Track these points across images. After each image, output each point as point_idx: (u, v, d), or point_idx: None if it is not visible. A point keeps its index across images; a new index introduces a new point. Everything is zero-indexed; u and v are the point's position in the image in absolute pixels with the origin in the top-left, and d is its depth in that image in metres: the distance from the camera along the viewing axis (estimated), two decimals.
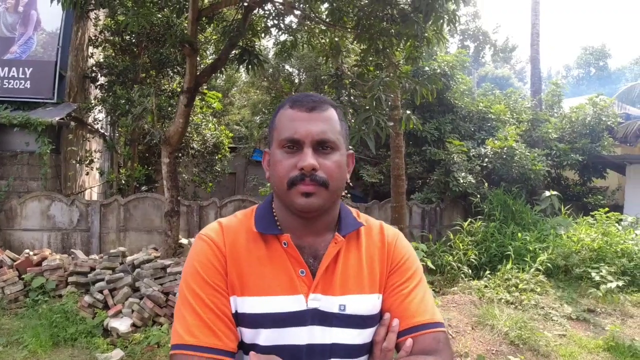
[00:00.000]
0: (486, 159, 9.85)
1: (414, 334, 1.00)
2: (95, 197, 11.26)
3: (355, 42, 7.17)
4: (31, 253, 6.56)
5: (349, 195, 11.36)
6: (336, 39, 7.45)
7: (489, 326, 4.85)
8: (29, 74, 8.84)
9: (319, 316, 0.99)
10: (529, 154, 9.75)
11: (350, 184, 12.21)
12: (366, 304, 1.03)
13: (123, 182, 10.70)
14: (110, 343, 4.71)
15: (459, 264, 7.28)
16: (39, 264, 6.23)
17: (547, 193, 9.51)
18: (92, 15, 10.23)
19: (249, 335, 0.98)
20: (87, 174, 10.32)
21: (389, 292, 1.06)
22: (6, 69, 8.80)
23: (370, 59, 7.09)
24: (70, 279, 5.91)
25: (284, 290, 0.98)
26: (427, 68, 9.66)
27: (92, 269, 6.00)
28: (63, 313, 5.13)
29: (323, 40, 7.76)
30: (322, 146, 0.99)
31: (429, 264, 4.39)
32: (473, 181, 9.25)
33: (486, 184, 9.38)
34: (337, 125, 1.03)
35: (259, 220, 1.05)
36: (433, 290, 6.70)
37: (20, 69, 8.83)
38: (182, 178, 10.75)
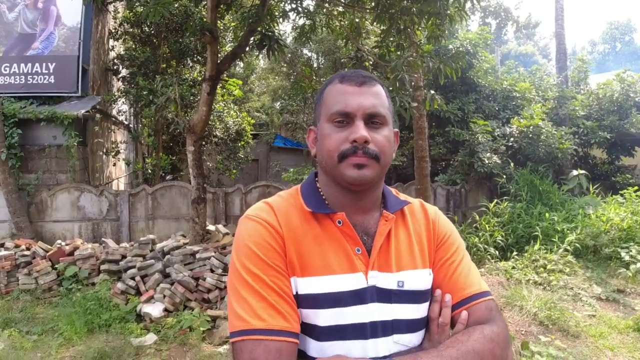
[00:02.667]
0: (511, 139, 9.66)
1: (466, 306, 1.02)
2: (122, 187, 11.50)
3: (375, 22, 7.06)
4: (63, 243, 6.75)
5: None
6: (356, 20, 7.34)
7: (518, 307, 4.80)
8: (52, 68, 8.99)
9: (378, 293, 0.99)
10: (555, 132, 9.52)
11: None
12: (421, 279, 1.04)
13: (149, 171, 10.87)
14: (143, 328, 4.84)
15: (486, 246, 7.20)
16: (71, 253, 6.40)
17: (575, 172, 9.29)
18: (111, 8, 10.32)
19: (309, 316, 0.96)
20: (114, 164, 10.52)
21: (438, 267, 1.07)
22: (29, 64, 8.96)
23: (391, 39, 6.98)
24: (102, 267, 6.07)
25: (344, 269, 0.97)
26: (450, 46, 9.45)
27: (124, 256, 6.15)
28: (96, 300, 5.28)
29: (342, 22, 7.66)
30: (373, 120, 0.99)
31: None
32: (498, 161, 9.10)
33: (512, 164, 9.20)
34: (386, 101, 1.04)
35: (308, 199, 1.04)
36: None
37: (44, 64, 8.99)
38: (206, 166, 10.86)
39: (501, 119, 10.48)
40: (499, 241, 7.32)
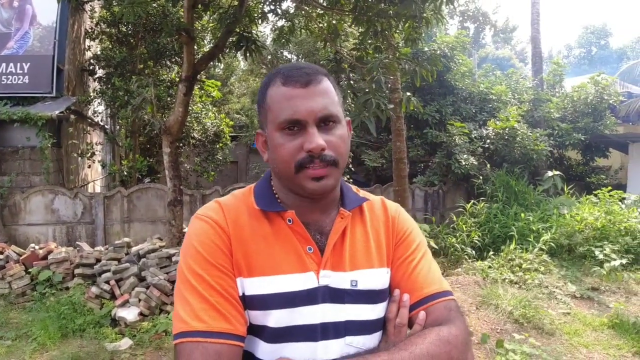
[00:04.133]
0: (488, 141, 9.82)
1: (425, 306, 0.98)
2: (98, 189, 11.29)
3: (353, 25, 7.10)
4: (37, 247, 6.60)
5: (351, 180, 11.35)
6: (334, 22, 7.37)
7: (493, 306, 4.87)
8: (27, 68, 8.79)
9: (331, 293, 0.95)
10: (531, 134, 9.72)
11: (352, 168, 12.20)
12: (377, 278, 1.01)
13: (125, 173, 10.70)
14: (118, 332, 4.76)
15: (463, 246, 7.30)
16: (44, 257, 6.25)
17: (550, 173, 9.49)
18: (87, 7, 10.14)
19: (257, 317, 0.92)
20: (89, 166, 10.32)
21: (397, 265, 1.04)
22: (3, 64, 8.75)
23: (369, 41, 7.03)
24: (76, 271, 5.95)
25: (294, 268, 0.94)
26: (426, 49, 9.57)
27: (98, 260, 6.04)
28: (71, 305, 5.17)
29: (321, 25, 7.69)
30: (325, 122, 0.93)
31: (432, 243, 4.40)
32: (475, 163, 9.23)
33: (488, 166, 9.36)
34: (335, 96, 0.97)
35: (260, 198, 1.01)
36: None
37: (18, 64, 8.78)
38: (184, 168, 10.75)
39: (478, 121, 10.64)
40: (476, 241, 7.42)
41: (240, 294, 0.92)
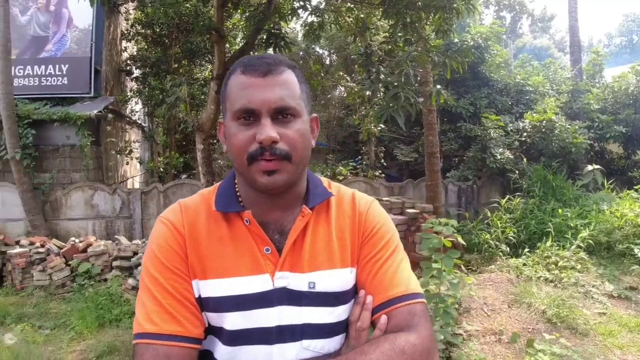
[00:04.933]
0: (524, 134, 9.53)
1: (387, 309, 0.93)
2: (137, 185, 11.66)
3: (382, 18, 7.02)
4: (77, 241, 6.89)
5: (383, 175, 11.28)
6: (362, 16, 7.31)
7: (526, 304, 4.72)
8: (66, 70, 9.16)
9: (287, 295, 0.92)
10: (569, 126, 9.35)
11: (384, 163, 12.12)
12: (337, 279, 0.96)
13: (162, 170, 11.02)
14: None
15: (497, 242, 7.11)
16: (84, 250, 6.53)
17: (589, 167, 9.11)
18: (122, 9, 10.46)
19: (215, 319, 0.92)
20: (127, 163, 10.67)
21: (362, 264, 0.98)
22: (43, 66, 9.15)
23: (399, 34, 6.94)
24: (114, 264, 6.19)
25: (248, 271, 0.92)
26: (456, 40, 9.37)
27: (135, 253, 6.26)
28: (108, 296, 5.39)
29: (350, 19, 7.64)
30: (282, 114, 0.90)
31: (460, 239, 4.30)
32: (511, 157, 8.98)
33: (525, 160, 9.08)
34: (296, 89, 0.93)
35: (220, 198, 0.98)
36: (469, 269, 6.61)
37: (57, 66, 9.16)
38: (217, 164, 10.95)
39: (514, 114, 10.34)
40: (511, 238, 7.21)
41: (197, 296, 0.92)
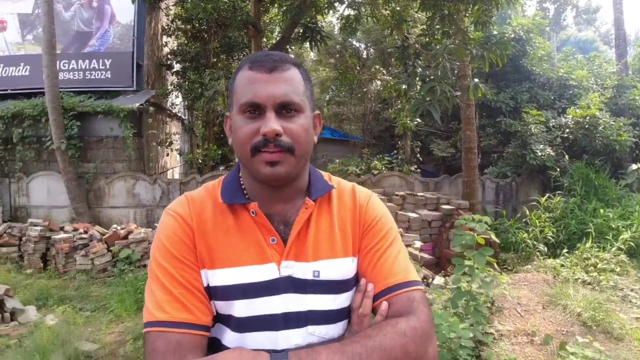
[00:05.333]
0: (567, 130, 9.17)
1: (387, 296, 0.97)
2: (176, 176, 12.01)
3: (420, 10, 6.91)
4: (118, 228, 7.18)
5: (418, 170, 11.14)
6: (398, 9, 7.22)
7: (561, 306, 4.57)
8: (109, 64, 9.54)
9: (293, 283, 0.96)
10: (613, 123, 8.92)
11: (420, 158, 11.96)
12: (340, 268, 1.00)
13: (200, 161, 11.30)
14: None
15: (534, 242, 6.91)
16: (125, 237, 6.81)
17: (634, 166, 8.69)
18: (162, 5, 10.74)
19: (223, 307, 0.96)
20: (167, 154, 11.00)
21: (363, 254, 1.03)
22: (87, 61, 9.56)
23: (437, 26, 6.82)
24: None
25: (255, 260, 0.96)
26: (496, 32, 9.12)
27: None
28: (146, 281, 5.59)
29: (386, 12, 7.57)
30: (286, 109, 0.94)
31: (494, 237, 4.20)
32: (552, 154, 8.67)
33: (567, 157, 8.74)
34: (300, 86, 0.97)
35: (225, 190, 1.02)
36: (504, 268, 6.46)
37: (100, 60, 9.55)
38: None
39: (556, 109, 9.96)
40: (549, 237, 6.99)
41: (205, 285, 0.95)
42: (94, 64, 9.52)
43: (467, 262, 3.51)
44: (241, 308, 0.95)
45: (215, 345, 0.97)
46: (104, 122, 8.62)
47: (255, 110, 0.94)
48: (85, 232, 6.86)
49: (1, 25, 9.94)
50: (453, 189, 9.07)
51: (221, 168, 11.65)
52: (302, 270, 0.97)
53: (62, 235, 6.69)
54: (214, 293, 0.95)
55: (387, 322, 0.92)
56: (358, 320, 0.98)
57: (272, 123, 0.91)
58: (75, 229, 6.95)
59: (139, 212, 8.55)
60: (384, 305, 0.96)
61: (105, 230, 7.14)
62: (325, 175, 1.11)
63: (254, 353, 0.85)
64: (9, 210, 8.54)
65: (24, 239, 6.99)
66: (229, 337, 0.97)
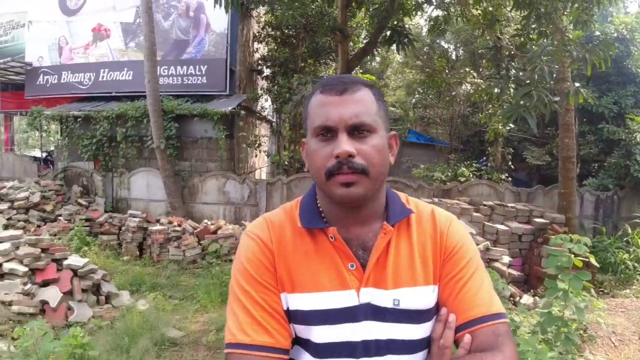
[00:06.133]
0: None
1: (471, 329, 0.94)
2: (264, 176, 12.54)
3: (514, 9, 6.58)
4: (209, 223, 7.67)
5: (509, 178, 10.57)
6: (490, 8, 6.92)
7: None
8: (204, 70, 10.21)
9: (372, 311, 0.95)
10: None
11: (512, 166, 11.34)
12: (420, 297, 0.98)
13: (286, 163, 11.69)
14: None
15: (636, 264, 6.25)
16: (214, 232, 7.27)
17: None
18: (254, 13, 11.27)
19: (302, 331, 0.97)
20: (256, 156, 11.52)
21: (444, 283, 1.00)
22: (184, 67, 10.31)
23: (533, 26, 6.46)
24: None
25: (334, 286, 0.95)
26: (597, 32, 8.38)
27: None
28: None
29: (477, 12, 7.29)
30: (358, 130, 0.93)
31: (593, 260, 3.84)
32: None
33: None
34: (372, 106, 0.96)
35: (303, 213, 1.02)
36: (600, 291, 5.93)
37: (197, 66, 10.26)
38: None
39: None
40: None
41: (285, 308, 0.97)
42: (190, 69, 10.25)
43: (560, 285, 3.22)
44: (320, 334, 0.95)
45: None
46: (199, 124, 9.27)
47: (327, 132, 0.94)
48: (179, 225, 7.41)
49: (106, 34, 11.00)
50: (547, 200, 8.45)
51: (305, 170, 11.93)
52: (381, 297, 0.96)
53: (157, 227, 7.30)
54: (294, 317, 0.97)
55: (472, 357, 0.91)
56: (439, 352, 0.96)
57: (344, 144, 0.91)
58: (170, 222, 7.53)
59: (228, 209, 9.05)
60: (467, 338, 0.94)
61: (197, 225, 7.66)
62: (403, 196, 1.09)
63: None
64: (111, 201, 9.49)
65: (123, 228, 7.73)
66: None
